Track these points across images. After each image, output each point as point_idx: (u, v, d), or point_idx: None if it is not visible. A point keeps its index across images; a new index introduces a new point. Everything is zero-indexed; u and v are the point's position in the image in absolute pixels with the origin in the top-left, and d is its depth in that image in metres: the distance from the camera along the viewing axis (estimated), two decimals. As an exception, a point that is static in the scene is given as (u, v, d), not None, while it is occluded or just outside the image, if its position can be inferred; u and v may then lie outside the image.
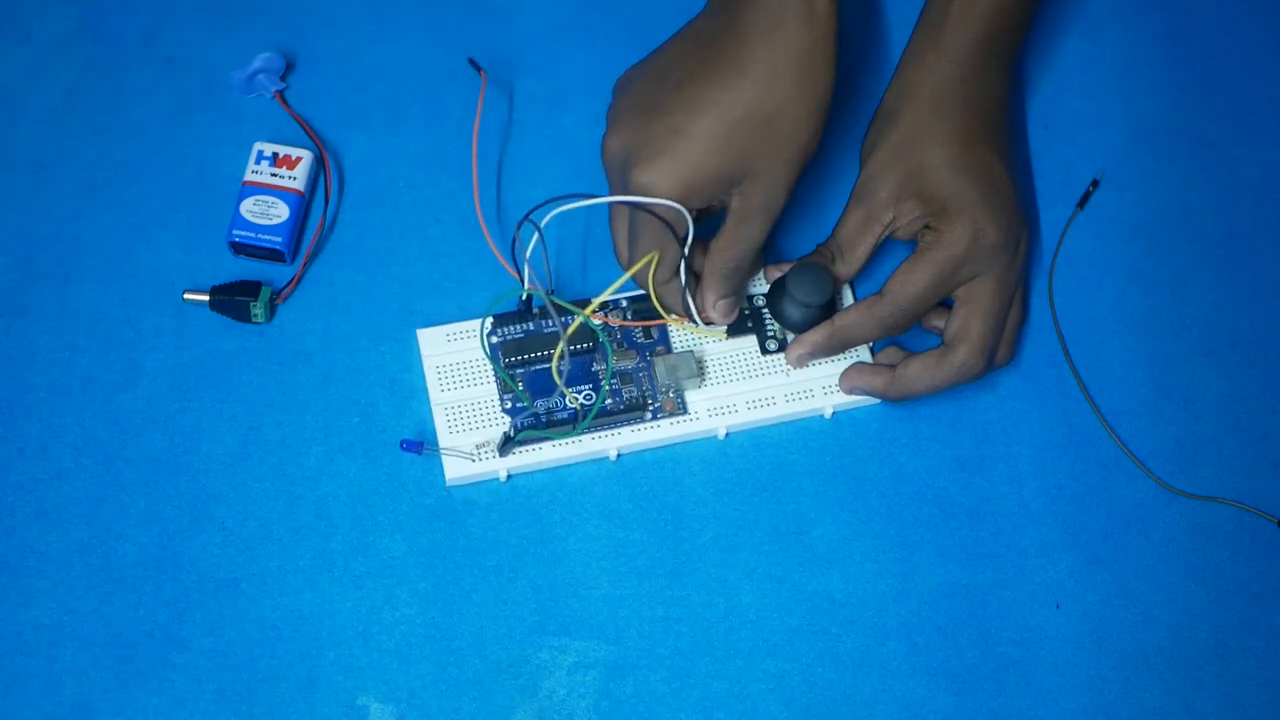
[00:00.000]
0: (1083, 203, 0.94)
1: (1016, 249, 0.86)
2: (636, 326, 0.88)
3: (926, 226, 0.85)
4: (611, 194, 0.84)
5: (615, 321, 0.88)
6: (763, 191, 0.82)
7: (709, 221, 0.85)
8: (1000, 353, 0.87)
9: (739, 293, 0.87)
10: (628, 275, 0.84)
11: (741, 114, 0.81)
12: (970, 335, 0.85)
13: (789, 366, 0.88)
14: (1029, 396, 0.89)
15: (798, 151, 0.82)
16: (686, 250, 0.84)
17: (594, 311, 0.86)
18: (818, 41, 0.81)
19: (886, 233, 0.86)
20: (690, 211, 0.82)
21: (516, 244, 0.84)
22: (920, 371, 0.85)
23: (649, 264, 0.84)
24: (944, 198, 0.85)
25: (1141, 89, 0.97)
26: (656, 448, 0.87)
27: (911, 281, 0.84)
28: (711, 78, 0.81)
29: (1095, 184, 0.94)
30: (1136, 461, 0.88)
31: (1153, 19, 0.99)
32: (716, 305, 0.87)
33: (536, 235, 0.84)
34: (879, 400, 0.88)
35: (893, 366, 0.86)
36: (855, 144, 0.90)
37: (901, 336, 0.88)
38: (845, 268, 0.87)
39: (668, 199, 0.81)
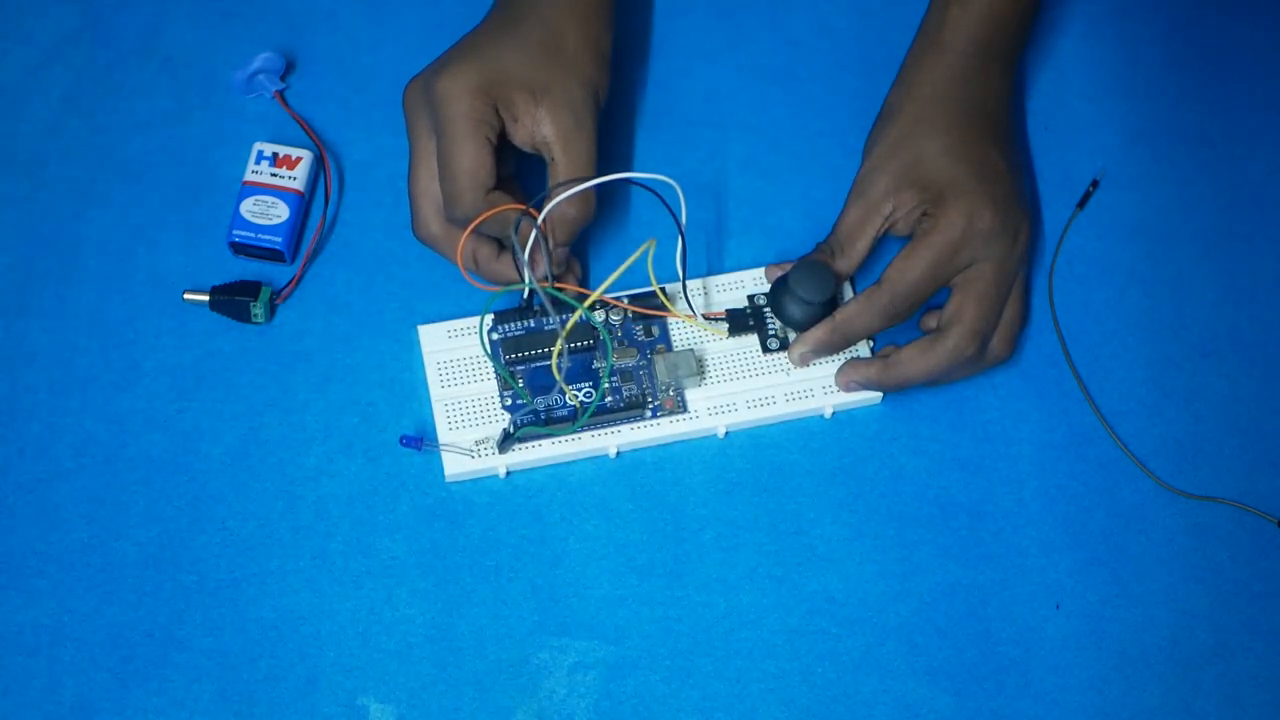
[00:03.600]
0: (1083, 203, 0.94)
1: (1014, 239, 0.86)
2: (634, 312, 0.88)
3: (924, 215, 0.86)
4: (411, 142, 0.86)
5: (617, 304, 0.87)
6: (568, 108, 0.85)
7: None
8: (998, 348, 0.87)
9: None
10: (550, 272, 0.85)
11: (534, 35, 0.86)
12: (963, 319, 0.85)
13: (790, 365, 0.88)
14: (1029, 396, 0.89)
15: (590, 76, 0.87)
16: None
17: (594, 304, 0.86)
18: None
19: (886, 226, 0.86)
20: (489, 128, 0.84)
21: (515, 241, 0.84)
22: (913, 357, 0.85)
23: (648, 251, 0.85)
24: (940, 183, 0.85)
25: (1141, 89, 0.98)
26: (656, 446, 0.87)
27: (909, 268, 0.84)
28: (504, 20, 0.88)
29: (1095, 184, 0.94)
30: (1136, 461, 0.88)
31: (1153, 19, 0.99)
32: (558, 253, 0.86)
33: (534, 233, 0.84)
34: (878, 397, 0.88)
35: (887, 359, 0.86)
36: (855, 146, 0.90)
37: (901, 337, 0.88)
38: (845, 262, 0.87)
39: (470, 92, 0.83)
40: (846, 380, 0.87)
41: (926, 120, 0.87)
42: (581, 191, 0.84)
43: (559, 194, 0.84)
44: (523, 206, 0.84)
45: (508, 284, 0.86)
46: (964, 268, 0.85)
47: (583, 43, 0.87)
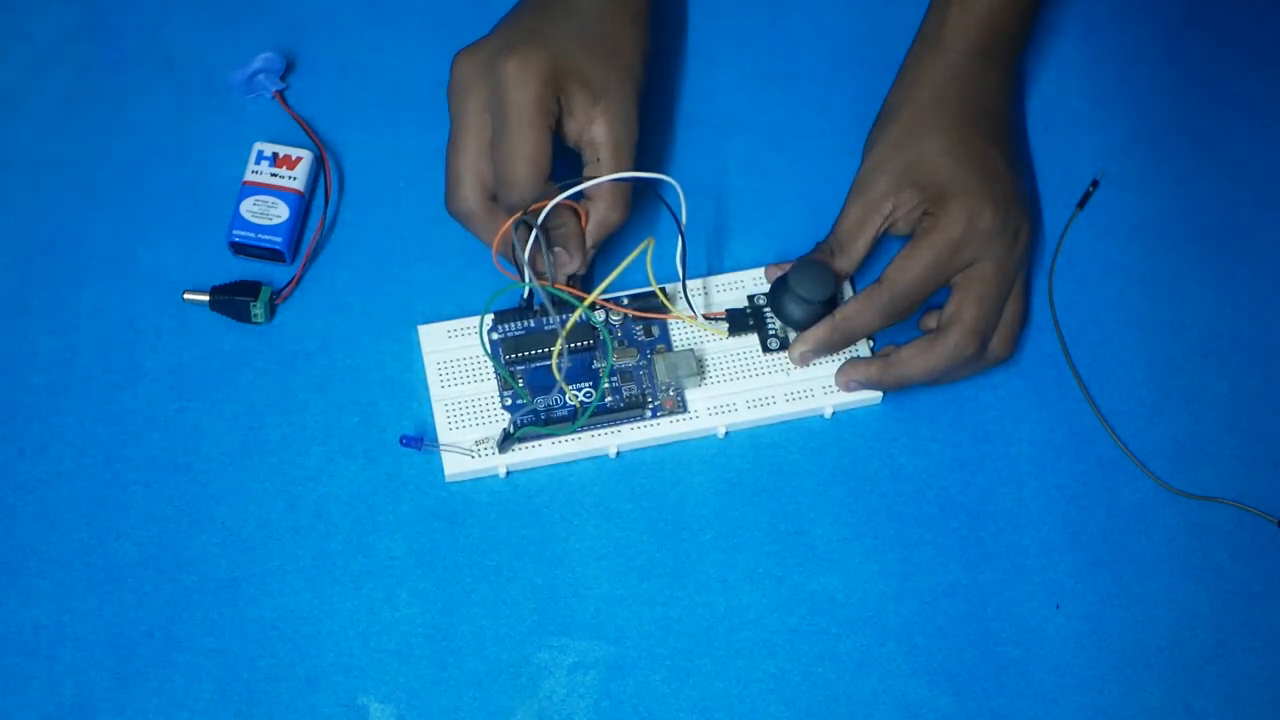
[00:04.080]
0: (1083, 203, 0.94)
1: (1015, 238, 0.86)
2: (635, 315, 0.88)
3: (924, 214, 0.86)
4: (458, 113, 0.85)
5: (616, 308, 0.88)
6: (623, 112, 0.85)
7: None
8: (998, 348, 0.87)
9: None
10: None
11: (591, 31, 0.86)
12: (963, 318, 0.85)
13: (790, 365, 0.88)
14: (1029, 396, 0.89)
15: (640, 82, 0.87)
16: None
17: (593, 303, 0.86)
18: None
19: (886, 225, 0.86)
20: (552, 118, 0.84)
21: (515, 242, 0.84)
22: (913, 355, 0.85)
23: (647, 249, 0.85)
24: (941, 183, 0.85)
25: (1141, 89, 0.98)
26: (656, 446, 0.87)
27: (909, 266, 0.84)
28: (552, 10, 0.87)
29: (1095, 184, 0.94)
30: (1136, 461, 0.88)
31: (1153, 19, 0.99)
32: (583, 252, 0.87)
33: (534, 233, 0.84)
34: (878, 397, 0.88)
35: (887, 358, 0.86)
36: (855, 146, 0.90)
37: (901, 337, 0.88)
38: (845, 262, 0.87)
39: (540, 79, 0.83)
40: (846, 379, 0.87)
41: (927, 120, 0.87)
42: (622, 195, 0.85)
43: (559, 193, 0.84)
44: (573, 205, 0.84)
45: (534, 273, 0.86)
46: (964, 267, 0.85)
47: (636, 45, 0.88)
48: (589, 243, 0.86)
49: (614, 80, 0.86)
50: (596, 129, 0.85)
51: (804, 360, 0.87)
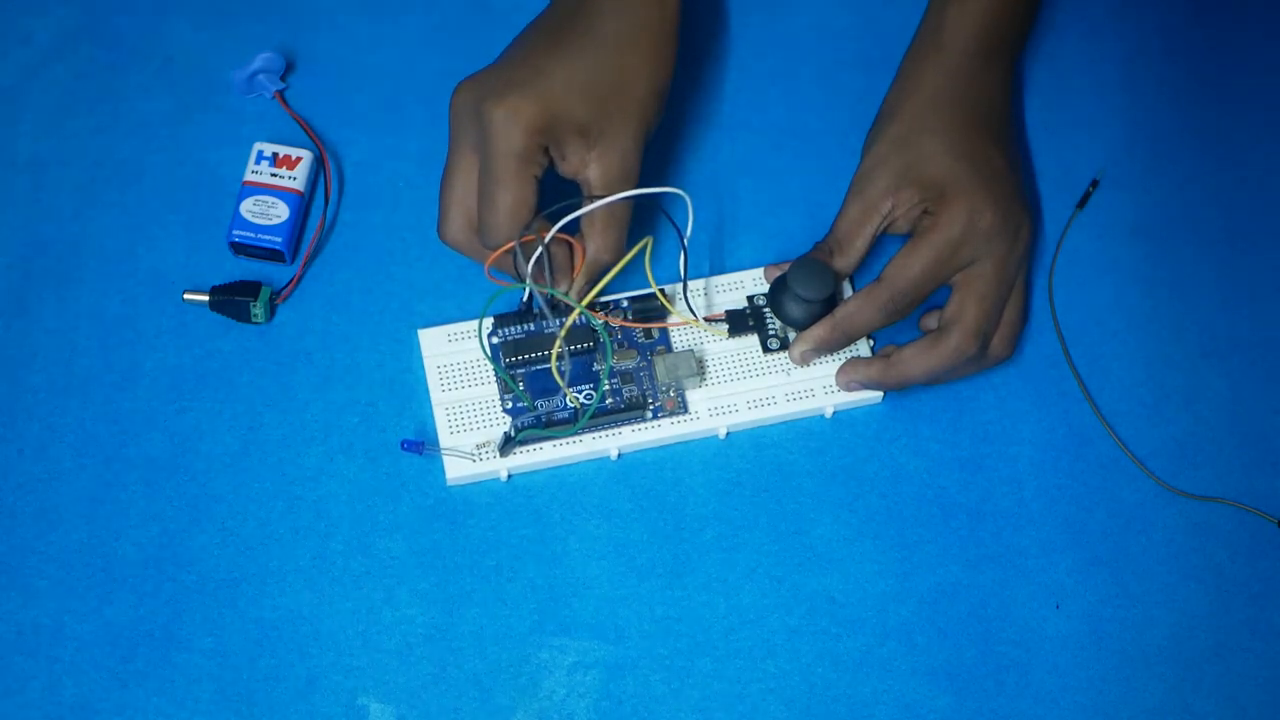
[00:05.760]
0: (1083, 203, 0.94)
1: (1015, 237, 0.86)
2: (637, 327, 0.88)
3: (924, 213, 0.86)
4: (452, 146, 0.85)
5: (616, 321, 0.88)
6: (619, 156, 0.83)
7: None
8: (998, 348, 0.87)
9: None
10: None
11: (598, 70, 0.84)
12: (964, 318, 0.85)
13: (790, 366, 0.88)
14: (1029, 396, 0.89)
15: (647, 120, 0.85)
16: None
17: (592, 307, 0.86)
18: (665, 17, 0.85)
19: (885, 224, 0.86)
20: (538, 168, 0.83)
21: (517, 255, 0.84)
22: (914, 355, 0.85)
23: (645, 249, 0.85)
24: (941, 182, 0.85)
25: (1141, 89, 0.97)
26: (657, 447, 0.87)
27: (909, 265, 0.84)
28: (568, 39, 0.84)
29: (1095, 184, 0.94)
30: (1136, 461, 0.88)
31: (1153, 19, 0.99)
32: (581, 290, 0.86)
33: (539, 249, 0.84)
34: (879, 397, 0.88)
35: (888, 358, 0.86)
36: (855, 146, 0.90)
37: (901, 336, 0.88)
38: (844, 261, 0.87)
39: (525, 132, 0.82)
40: (847, 379, 0.87)
41: (927, 119, 0.87)
42: (615, 236, 0.84)
43: (548, 227, 0.84)
44: (567, 238, 0.84)
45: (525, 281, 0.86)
46: (964, 266, 0.85)
47: (645, 81, 0.85)
48: (581, 281, 0.85)
49: (615, 122, 0.84)
50: (591, 172, 0.84)
51: (804, 360, 0.87)
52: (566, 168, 0.84)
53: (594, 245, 0.84)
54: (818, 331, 0.86)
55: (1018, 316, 0.88)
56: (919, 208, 0.86)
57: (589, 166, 0.84)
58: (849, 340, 0.87)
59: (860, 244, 0.87)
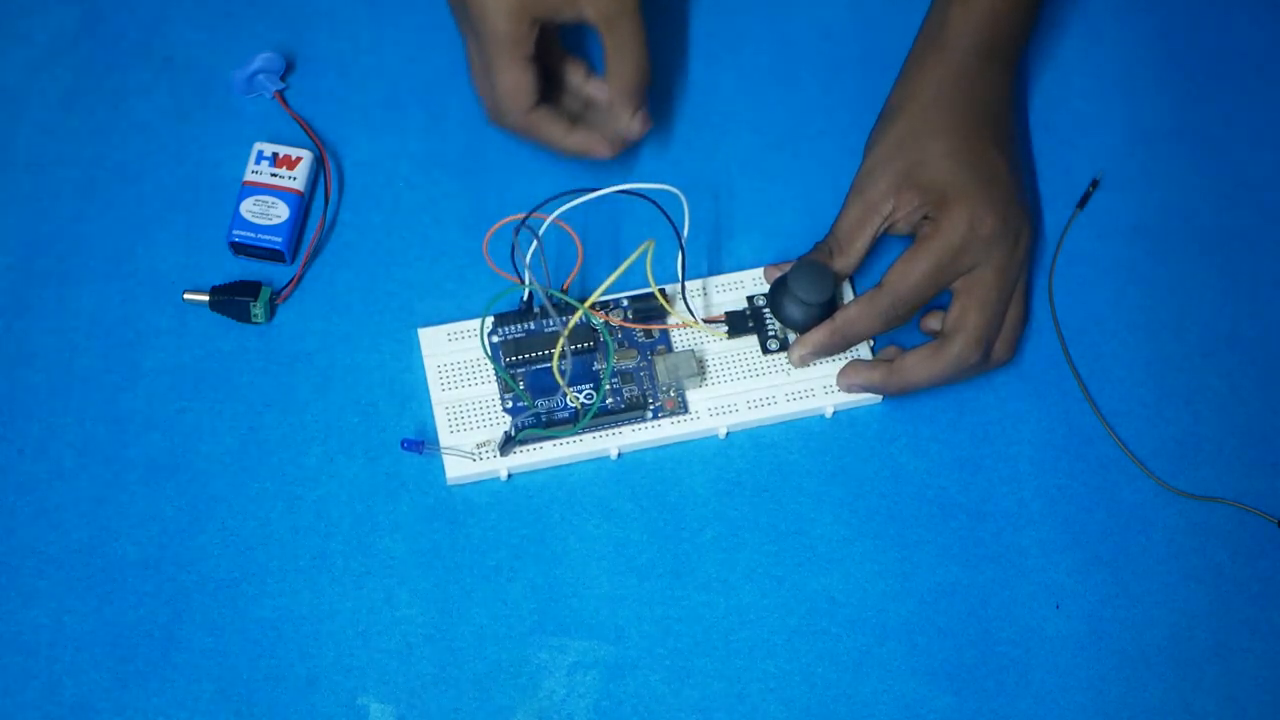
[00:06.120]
0: (1083, 203, 0.94)
1: (1016, 242, 0.86)
2: (638, 329, 0.88)
3: (925, 218, 0.86)
4: (463, 36, 0.86)
5: (616, 321, 0.88)
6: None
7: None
8: (999, 350, 0.87)
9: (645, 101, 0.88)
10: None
11: None
12: (967, 326, 0.85)
13: (790, 366, 0.88)
14: (1029, 396, 0.89)
15: None
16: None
17: (593, 308, 0.86)
18: None
19: (885, 225, 0.86)
20: (528, 46, 0.84)
21: (516, 249, 0.84)
22: (917, 363, 0.85)
23: (646, 252, 0.85)
24: (942, 186, 0.85)
25: (1141, 89, 0.97)
26: (657, 447, 0.87)
27: (910, 271, 0.84)
28: None
29: (1095, 184, 0.94)
30: (1136, 461, 0.88)
31: (1153, 19, 0.99)
32: (636, 117, 0.87)
33: (535, 242, 0.84)
34: (879, 398, 0.88)
35: (890, 363, 0.86)
36: (855, 146, 0.90)
37: (901, 337, 0.88)
38: (844, 261, 0.87)
39: (507, 24, 0.83)
40: (849, 382, 0.87)
41: (929, 120, 0.87)
42: (638, 60, 0.85)
43: (620, 82, 0.85)
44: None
45: (585, 153, 0.87)
46: (965, 272, 0.85)
47: None
48: (632, 109, 0.87)
49: None
50: (586, 12, 0.85)
51: (803, 362, 0.87)
52: (567, 17, 0.85)
53: (620, 74, 0.85)
54: (817, 336, 0.86)
55: (1019, 319, 0.88)
56: (919, 211, 0.86)
57: (584, 10, 0.84)
58: (848, 344, 0.87)
59: (860, 245, 0.87)
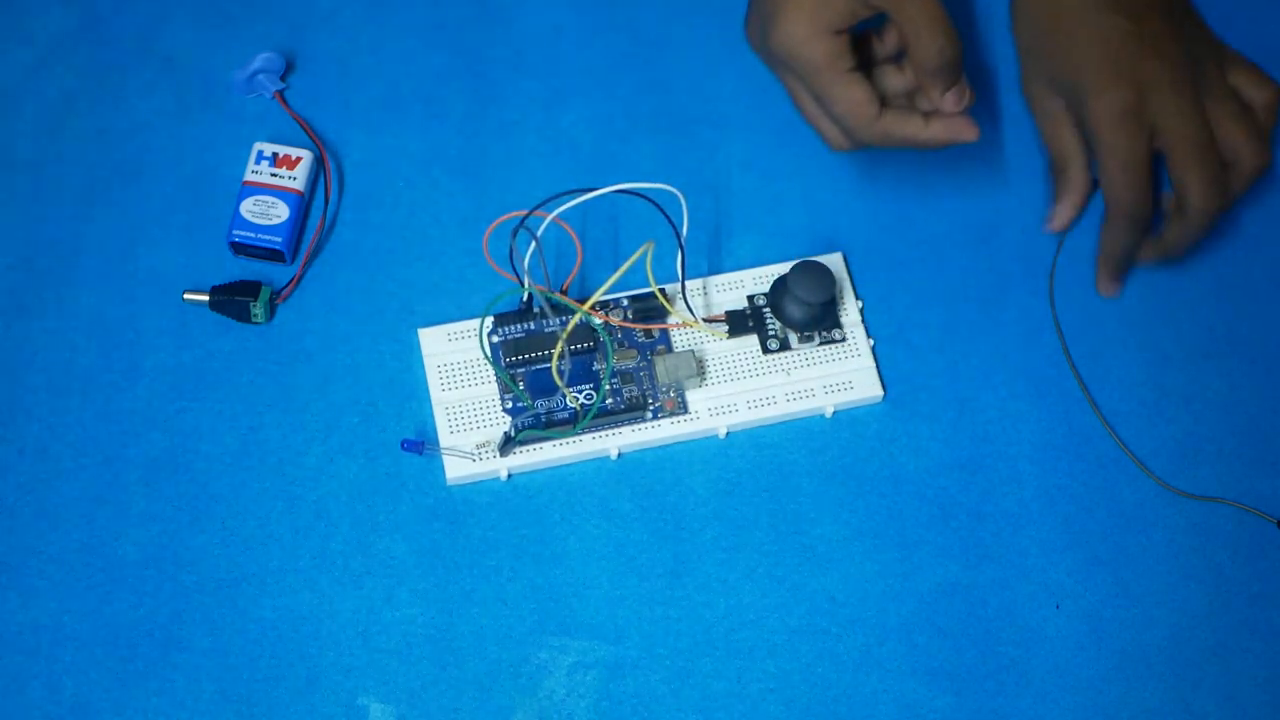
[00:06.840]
0: (1083, 203, 0.94)
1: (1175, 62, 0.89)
2: (638, 329, 0.88)
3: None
4: (775, 73, 0.86)
5: (616, 321, 0.88)
6: None
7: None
8: (1250, 158, 0.89)
9: (960, 75, 0.86)
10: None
11: None
12: (1188, 177, 0.87)
13: (791, 365, 0.88)
14: (1029, 396, 0.89)
15: None
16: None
17: (593, 308, 0.86)
18: None
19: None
20: (848, 59, 0.83)
21: (515, 249, 0.84)
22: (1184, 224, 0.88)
23: (647, 253, 0.85)
24: (1070, 85, 0.89)
25: (1141, 89, 0.97)
26: (657, 447, 0.87)
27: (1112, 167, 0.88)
28: None
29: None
30: (1136, 461, 0.88)
31: (1153, 19, 0.99)
32: (947, 97, 0.85)
33: (533, 243, 0.84)
34: (879, 397, 0.88)
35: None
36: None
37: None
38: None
39: (817, 48, 0.82)
40: (1146, 258, 0.90)
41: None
42: (934, 36, 0.82)
43: (922, 64, 0.83)
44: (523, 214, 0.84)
45: (953, 140, 0.85)
46: (1155, 128, 0.87)
47: None
48: (943, 87, 0.85)
49: None
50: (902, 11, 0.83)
51: (1115, 287, 0.91)
52: (860, 11, 0.83)
53: (920, 54, 0.83)
54: (1112, 259, 0.90)
55: (1240, 110, 0.90)
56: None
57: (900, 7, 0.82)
58: (1138, 241, 0.89)
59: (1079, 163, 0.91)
